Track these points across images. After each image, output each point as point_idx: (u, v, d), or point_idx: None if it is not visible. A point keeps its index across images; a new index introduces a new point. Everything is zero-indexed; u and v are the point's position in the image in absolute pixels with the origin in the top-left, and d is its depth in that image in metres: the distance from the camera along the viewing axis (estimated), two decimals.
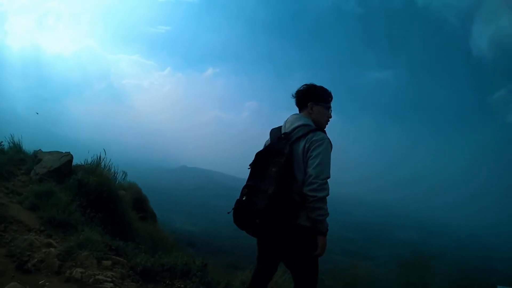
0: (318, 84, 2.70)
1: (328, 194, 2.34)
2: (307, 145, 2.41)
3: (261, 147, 2.65)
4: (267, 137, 2.70)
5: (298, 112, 2.75)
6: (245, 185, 2.49)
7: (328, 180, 2.35)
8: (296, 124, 2.55)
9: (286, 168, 2.35)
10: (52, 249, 3.54)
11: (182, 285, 4.07)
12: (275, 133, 2.65)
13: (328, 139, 2.45)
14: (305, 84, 2.73)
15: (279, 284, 4.12)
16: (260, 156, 2.53)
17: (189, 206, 72.75)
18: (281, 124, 2.68)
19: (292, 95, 2.77)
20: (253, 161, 2.54)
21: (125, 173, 7.71)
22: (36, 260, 3.33)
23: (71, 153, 6.55)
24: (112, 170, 7.34)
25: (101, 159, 7.01)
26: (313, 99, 2.66)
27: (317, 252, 2.41)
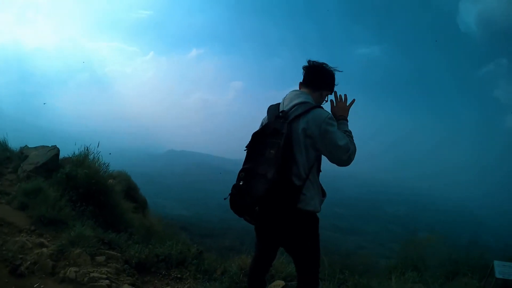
0: (303, 60, 2.52)
1: (355, 149, 2.30)
2: (309, 125, 2.24)
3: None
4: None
5: (298, 85, 2.55)
6: (241, 169, 2.31)
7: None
8: (295, 102, 2.36)
9: (285, 149, 2.18)
10: (45, 250, 3.49)
11: (179, 275, 4.06)
12: (273, 111, 2.45)
13: (330, 113, 2.32)
14: (326, 65, 2.49)
15: (277, 267, 4.11)
16: (256, 137, 2.34)
17: (179, 190, 72.65)
18: (274, 101, 2.51)
19: (308, 65, 2.51)
20: (250, 142, 2.36)
21: (107, 165, 7.52)
22: (29, 262, 3.28)
23: (57, 146, 6.43)
24: (100, 160, 7.22)
25: (89, 150, 6.89)
26: (327, 87, 2.51)
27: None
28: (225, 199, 2.28)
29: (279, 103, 2.48)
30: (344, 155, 2.21)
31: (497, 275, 4.27)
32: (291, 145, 2.23)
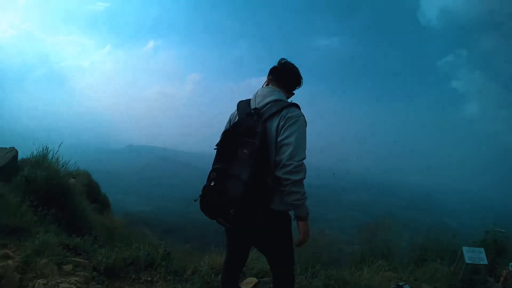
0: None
1: (304, 177, 2.09)
2: (281, 123, 2.15)
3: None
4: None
5: (267, 81, 2.48)
6: (212, 169, 2.20)
7: (303, 161, 2.10)
8: (268, 99, 2.26)
9: (261, 150, 2.07)
10: (10, 262, 3.35)
11: (149, 278, 3.99)
12: (244, 107, 2.33)
13: (303, 116, 2.21)
14: (295, 67, 2.45)
15: (247, 264, 4.13)
16: (227, 136, 2.25)
17: (139, 185, 71.37)
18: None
19: (282, 63, 2.45)
20: (220, 141, 2.27)
21: (66, 164, 7.28)
22: None
23: (15, 147, 6.17)
24: (60, 159, 6.98)
25: (47, 150, 6.65)
26: (294, 89, 2.49)
27: (300, 239, 2.23)
28: (195, 200, 2.21)
29: (249, 99, 2.39)
30: (290, 159, 2.07)
31: (467, 261, 4.41)
32: (266, 145, 2.13)
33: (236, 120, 2.34)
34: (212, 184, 2.15)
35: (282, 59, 2.46)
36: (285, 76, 2.44)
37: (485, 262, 4.49)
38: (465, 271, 4.58)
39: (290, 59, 2.45)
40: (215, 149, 2.30)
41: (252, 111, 2.24)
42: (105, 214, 8.56)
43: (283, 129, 2.13)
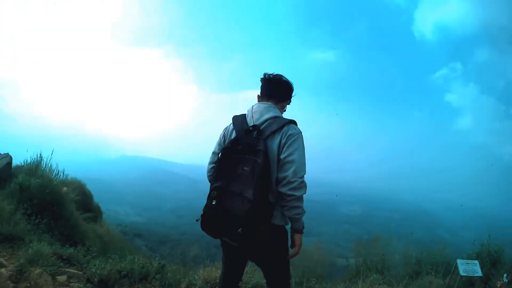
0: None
1: (305, 192, 2.16)
2: (283, 140, 2.17)
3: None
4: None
5: (260, 97, 2.46)
6: (213, 187, 2.16)
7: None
8: (267, 116, 2.26)
9: (264, 167, 2.07)
10: (3, 270, 3.28)
11: None
12: (240, 123, 2.31)
13: (301, 132, 2.24)
14: (286, 79, 2.42)
15: (243, 278, 4.07)
16: (227, 153, 2.20)
17: (132, 196, 70.84)
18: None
19: (266, 78, 2.43)
20: (219, 158, 2.24)
21: (60, 173, 7.20)
22: None
23: (9, 154, 6.09)
24: (53, 167, 6.89)
25: (41, 158, 6.57)
26: (288, 99, 2.48)
27: (294, 250, 2.30)
28: (197, 220, 2.16)
29: (244, 114, 2.37)
30: (295, 176, 2.11)
31: (462, 273, 4.40)
32: (268, 163, 2.13)
33: (234, 136, 2.31)
34: (213, 203, 2.12)
35: (266, 74, 2.44)
36: (272, 89, 2.43)
37: (480, 274, 4.49)
38: (460, 283, 4.61)
39: (285, 72, 2.44)
40: (212, 166, 2.29)
41: (251, 127, 2.22)
42: (98, 224, 8.45)
43: (285, 147, 2.16)
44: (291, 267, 2.54)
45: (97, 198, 9.98)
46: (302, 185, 2.13)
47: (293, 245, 2.34)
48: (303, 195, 2.17)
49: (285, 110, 2.48)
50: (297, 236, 2.30)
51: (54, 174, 6.87)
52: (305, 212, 2.22)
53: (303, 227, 2.30)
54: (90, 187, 9.60)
